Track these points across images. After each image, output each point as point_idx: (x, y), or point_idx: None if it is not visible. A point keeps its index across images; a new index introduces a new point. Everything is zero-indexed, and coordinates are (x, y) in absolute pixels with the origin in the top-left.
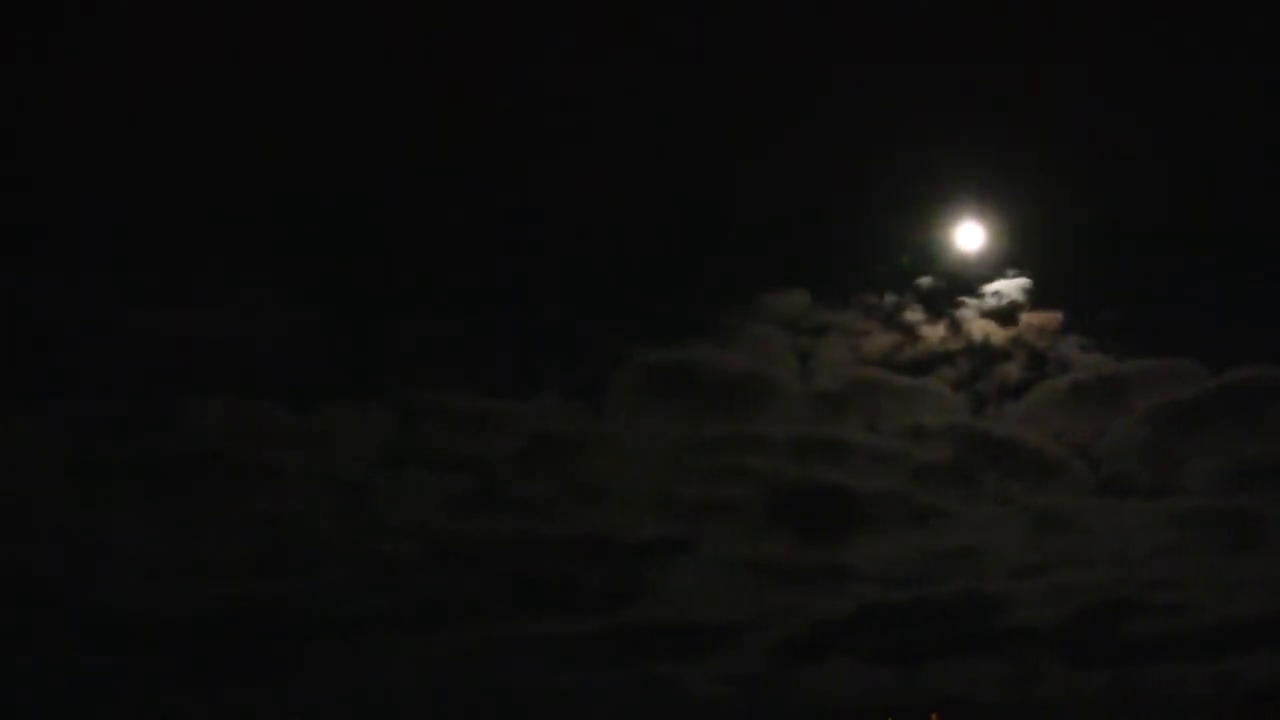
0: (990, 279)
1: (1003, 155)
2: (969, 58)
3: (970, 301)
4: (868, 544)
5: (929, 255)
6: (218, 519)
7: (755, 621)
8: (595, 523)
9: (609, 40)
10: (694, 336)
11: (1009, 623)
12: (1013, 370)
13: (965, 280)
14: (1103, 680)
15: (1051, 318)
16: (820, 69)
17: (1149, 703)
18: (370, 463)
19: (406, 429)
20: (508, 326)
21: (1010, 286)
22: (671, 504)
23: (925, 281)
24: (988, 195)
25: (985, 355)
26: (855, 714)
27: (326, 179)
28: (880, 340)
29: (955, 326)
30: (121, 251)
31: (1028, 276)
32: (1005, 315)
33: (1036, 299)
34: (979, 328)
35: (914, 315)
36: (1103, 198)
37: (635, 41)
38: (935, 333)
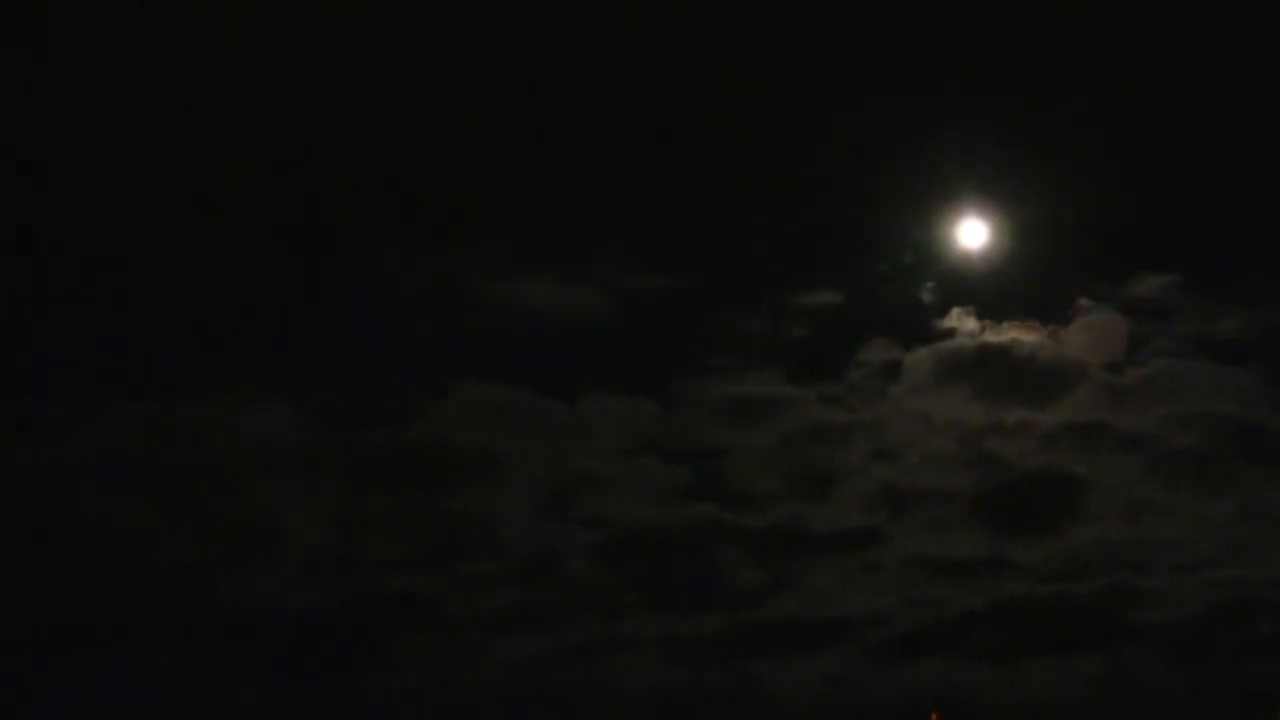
0: None
1: None
2: None
3: None
4: (1061, 536)
5: None
6: (408, 514)
7: (881, 618)
8: (796, 515)
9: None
10: (1032, 318)
11: (1135, 620)
12: None
13: None
14: (1193, 679)
15: None
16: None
17: (1223, 701)
18: (606, 456)
19: (665, 422)
20: (826, 308)
21: None
22: (886, 493)
23: None
24: None
25: None
26: (856, 713)
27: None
28: (1226, 326)
29: None
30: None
31: None
32: None
33: None
34: None
35: None
36: None
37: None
38: None
